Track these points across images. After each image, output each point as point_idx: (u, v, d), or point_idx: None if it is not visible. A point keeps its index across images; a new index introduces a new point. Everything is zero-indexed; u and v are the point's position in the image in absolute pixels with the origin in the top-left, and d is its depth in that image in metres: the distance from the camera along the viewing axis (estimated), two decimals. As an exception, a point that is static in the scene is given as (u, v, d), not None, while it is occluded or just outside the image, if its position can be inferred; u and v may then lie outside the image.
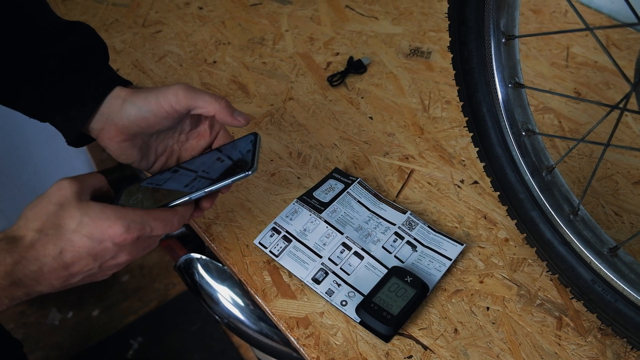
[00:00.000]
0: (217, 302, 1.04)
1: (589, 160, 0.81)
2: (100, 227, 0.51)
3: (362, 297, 0.67)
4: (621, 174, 0.79)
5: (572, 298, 0.67)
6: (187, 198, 0.58)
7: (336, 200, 0.76)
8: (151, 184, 0.62)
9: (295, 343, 0.65)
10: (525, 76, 0.93)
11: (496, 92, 0.65)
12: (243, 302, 1.08)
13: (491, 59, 0.64)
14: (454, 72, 0.68)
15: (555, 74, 0.93)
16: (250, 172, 0.58)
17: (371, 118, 0.88)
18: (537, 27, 1.01)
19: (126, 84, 0.64)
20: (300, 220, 0.74)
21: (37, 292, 0.53)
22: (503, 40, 0.63)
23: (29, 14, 0.63)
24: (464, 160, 0.82)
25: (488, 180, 0.72)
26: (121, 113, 0.60)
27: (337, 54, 0.98)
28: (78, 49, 0.63)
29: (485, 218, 0.75)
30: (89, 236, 0.51)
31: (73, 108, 0.61)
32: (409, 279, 0.68)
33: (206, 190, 0.59)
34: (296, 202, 0.76)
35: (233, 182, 0.59)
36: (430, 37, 1.01)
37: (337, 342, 0.65)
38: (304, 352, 0.65)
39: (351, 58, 0.96)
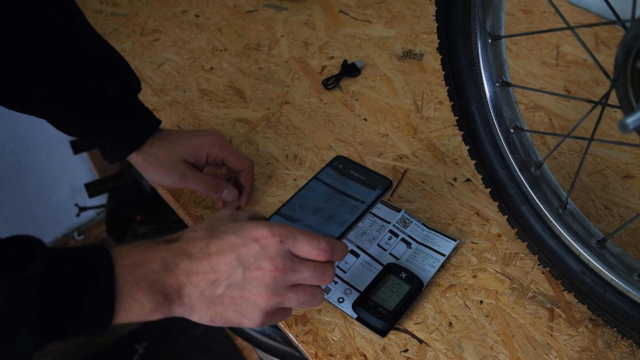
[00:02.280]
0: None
1: (579, 156, 0.82)
2: (245, 228, 0.54)
3: (359, 294, 0.69)
4: (611, 169, 0.80)
5: (564, 290, 0.69)
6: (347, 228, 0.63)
7: (332, 200, 0.77)
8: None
9: (294, 340, 0.67)
10: (516, 75, 0.95)
11: (484, 91, 0.67)
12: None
13: (478, 59, 0.66)
14: (444, 72, 0.70)
15: (545, 72, 0.95)
16: (391, 186, 0.68)
17: (365, 120, 0.90)
18: (527, 28, 1.03)
19: (158, 124, 0.76)
20: (297, 220, 0.75)
21: (186, 295, 0.51)
22: (489, 40, 0.65)
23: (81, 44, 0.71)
24: (456, 159, 0.84)
25: (480, 177, 0.74)
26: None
27: (332, 57, 1.00)
28: (122, 97, 0.73)
29: (478, 214, 0.77)
30: (234, 233, 0.53)
31: (113, 149, 0.74)
32: (403, 275, 0.69)
33: (360, 216, 0.65)
34: (293, 202, 0.78)
35: (379, 199, 0.67)
36: (423, 39, 1.03)
37: (334, 338, 0.66)
38: (302, 348, 0.67)
39: (345, 62, 0.98)
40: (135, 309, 0.49)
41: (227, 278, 0.52)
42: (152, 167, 0.74)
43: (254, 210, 0.62)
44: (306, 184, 0.68)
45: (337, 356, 0.65)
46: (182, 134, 0.75)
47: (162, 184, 0.76)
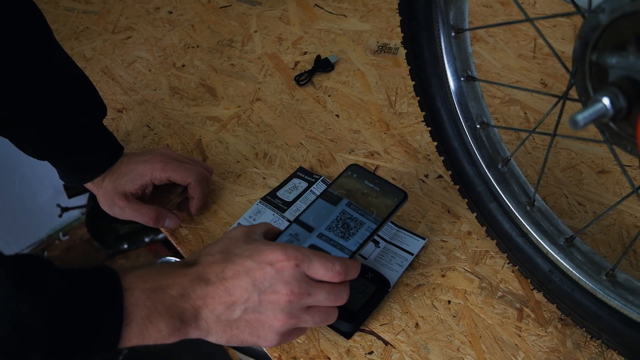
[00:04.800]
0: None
1: (553, 151, 0.80)
2: (261, 251, 0.54)
3: (324, 295, 0.67)
4: (585, 164, 0.78)
5: (533, 289, 0.67)
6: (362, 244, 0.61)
7: (299, 199, 0.76)
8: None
9: (258, 343, 0.66)
10: (492, 69, 0.93)
11: (449, 86, 0.65)
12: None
13: (442, 53, 0.64)
14: (409, 67, 0.68)
15: (522, 65, 0.93)
16: (406, 198, 0.64)
17: (337, 116, 0.88)
18: (505, 19, 1.01)
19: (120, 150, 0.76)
20: (264, 220, 0.74)
21: (202, 319, 0.52)
22: (453, 34, 0.63)
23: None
24: (429, 155, 0.82)
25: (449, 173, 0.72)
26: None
27: (305, 53, 0.99)
28: (90, 125, 0.72)
29: (448, 212, 0.75)
30: (249, 257, 0.54)
31: (73, 176, 0.74)
32: (370, 275, 0.68)
33: (375, 230, 0.62)
34: (260, 202, 0.76)
35: (394, 213, 0.64)
36: (398, 33, 1.00)
37: (298, 341, 0.65)
38: (266, 351, 0.65)
39: (318, 57, 0.96)
40: (153, 332, 0.50)
41: (244, 302, 0.53)
42: (101, 199, 0.75)
43: (267, 224, 0.61)
44: (320, 194, 0.65)
45: (301, 359, 0.63)
46: (131, 161, 0.74)
47: (109, 213, 0.76)
